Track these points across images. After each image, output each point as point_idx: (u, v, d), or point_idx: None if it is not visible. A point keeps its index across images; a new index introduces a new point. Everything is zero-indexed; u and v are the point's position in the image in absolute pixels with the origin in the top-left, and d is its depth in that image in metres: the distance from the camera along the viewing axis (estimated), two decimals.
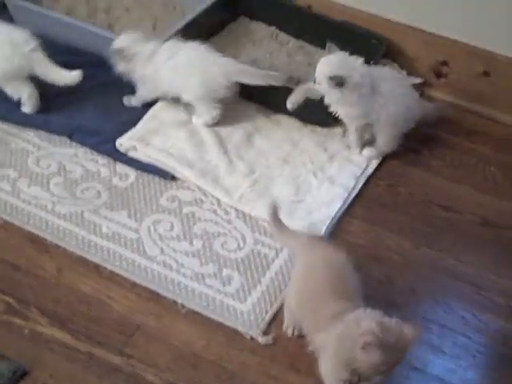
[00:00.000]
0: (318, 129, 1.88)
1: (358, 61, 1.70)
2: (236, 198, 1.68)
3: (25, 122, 1.84)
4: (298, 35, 2.15)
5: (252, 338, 1.40)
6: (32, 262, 1.54)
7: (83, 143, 1.80)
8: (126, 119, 1.86)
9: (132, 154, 1.77)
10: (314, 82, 1.69)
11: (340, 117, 1.74)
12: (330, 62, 1.69)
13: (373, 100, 1.69)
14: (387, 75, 1.76)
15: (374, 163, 1.78)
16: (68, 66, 1.88)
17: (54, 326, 1.41)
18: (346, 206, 1.68)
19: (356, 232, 1.62)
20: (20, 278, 1.50)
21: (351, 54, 1.94)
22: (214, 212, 1.66)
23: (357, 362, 1.16)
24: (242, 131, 1.85)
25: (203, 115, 1.83)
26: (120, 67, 1.82)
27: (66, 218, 1.62)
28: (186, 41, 1.85)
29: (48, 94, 1.89)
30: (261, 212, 1.63)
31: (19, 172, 1.72)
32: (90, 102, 1.91)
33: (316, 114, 1.84)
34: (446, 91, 2.00)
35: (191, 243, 1.58)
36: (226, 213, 1.66)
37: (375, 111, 1.70)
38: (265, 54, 2.10)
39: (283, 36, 2.17)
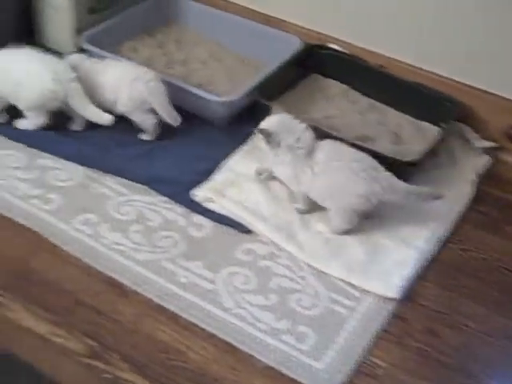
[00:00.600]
0: None
1: (300, 125, 1.74)
2: (309, 255, 1.70)
3: (106, 168, 1.90)
4: (369, 94, 2.19)
5: None
6: (112, 306, 1.58)
7: (160, 192, 1.85)
8: (202, 169, 1.90)
9: (208, 205, 1.82)
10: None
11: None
12: (270, 118, 1.77)
13: (307, 166, 1.72)
14: (325, 146, 1.74)
15: (447, 226, 1.80)
16: None
17: (134, 372, 1.44)
18: (420, 269, 1.69)
19: (430, 296, 1.63)
20: (101, 321, 1.54)
21: (424, 115, 1.99)
22: (289, 268, 1.69)
23: None
24: None
25: None
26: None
27: (145, 265, 1.66)
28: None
29: (127, 142, 1.96)
30: (334, 270, 1.66)
31: (100, 217, 1.77)
32: (167, 152, 1.97)
33: None
34: None
35: (266, 298, 1.61)
36: (300, 269, 1.68)
37: (307, 179, 1.72)
38: (336, 112, 2.14)
39: (355, 94, 2.21)
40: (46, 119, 1.95)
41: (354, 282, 1.64)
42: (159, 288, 1.62)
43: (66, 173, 1.89)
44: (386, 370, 1.47)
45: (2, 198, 1.80)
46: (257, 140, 1.85)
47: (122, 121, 1.95)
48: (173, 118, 1.95)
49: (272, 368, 1.47)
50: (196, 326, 1.55)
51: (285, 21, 2.33)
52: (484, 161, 2.01)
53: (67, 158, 1.92)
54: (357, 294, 1.62)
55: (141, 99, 1.93)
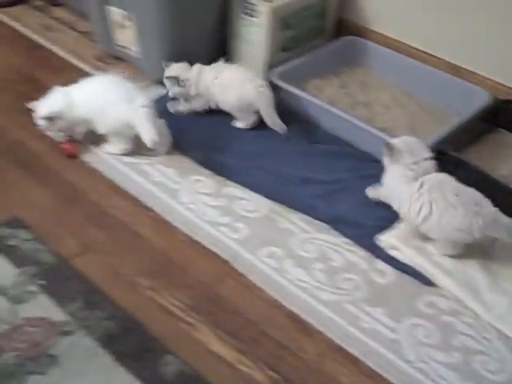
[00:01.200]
0: None
1: (424, 153, 1.81)
2: (495, 317, 1.66)
3: (291, 203, 1.94)
4: None
5: None
6: (295, 342, 1.60)
7: (344, 233, 1.87)
8: (383, 215, 1.90)
9: (391, 252, 1.81)
10: None
11: None
12: (401, 137, 1.87)
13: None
14: (434, 177, 1.79)
15: None
16: (330, 153, 2.00)
17: None
18: None
19: None
20: (285, 356, 1.57)
21: None
22: (472, 326, 1.65)
23: None
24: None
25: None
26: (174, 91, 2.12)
27: (328, 305, 1.68)
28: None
29: (311, 179, 2.00)
30: None
31: (285, 251, 1.81)
32: (351, 193, 1.98)
33: None
34: None
35: (450, 355, 1.58)
36: (485, 329, 1.65)
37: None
38: None
39: None
40: (128, 145, 2.04)
41: None
42: (341, 330, 1.63)
43: (252, 204, 1.95)
44: None
45: (191, 221, 1.87)
46: None
47: (312, 158, 1.98)
48: (278, 126, 2.12)
49: None
50: (377, 374, 1.54)
51: (474, 72, 2.30)
52: None
53: (254, 189, 1.97)
54: None
55: (248, 102, 2.10)
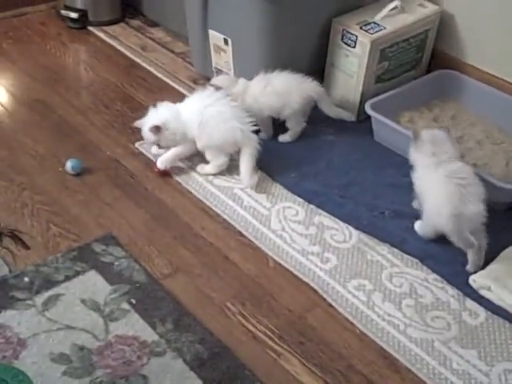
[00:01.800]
0: None
1: (452, 147, 1.91)
2: None
3: (381, 236, 1.92)
4: None
5: None
6: (384, 379, 1.58)
7: (434, 270, 1.84)
8: None
9: (484, 292, 1.77)
10: None
11: None
12: (430, 131, 1.98)
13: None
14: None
15: None
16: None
17: None
18: None
19: None
20: None
21: None
22: None
23: None
24: None
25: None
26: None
27: (417, 344, 1.65)
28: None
29: (401, 212, 1.97)
30: None
31: (374, 285, 1.79)
32: None
33: None
34: None
35: None
36: None
37: None
38: None
39: None
40: (224, 162, 2.09)
41: None
42: (432, 370, 1.59)
43: (341, 234, 1.94)
44: None
45: (281, 248, 1.87)
46: None
47: (403, 191, 1.96)
48: (345, 114, 2.25)
49: None
50: None
51: None
52: None
53: (344, 219, 1.97)
54: None
55: (309, 97, 2.17)
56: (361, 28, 2.26)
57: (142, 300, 1.67)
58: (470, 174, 1.83)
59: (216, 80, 2.20)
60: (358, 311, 1.72)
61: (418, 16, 2.39)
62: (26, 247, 1.73)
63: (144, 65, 2.62)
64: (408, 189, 2.01)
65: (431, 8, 2.43)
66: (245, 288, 1.76)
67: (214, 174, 2.09)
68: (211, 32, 2.38)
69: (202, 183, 2.06)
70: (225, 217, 1.96)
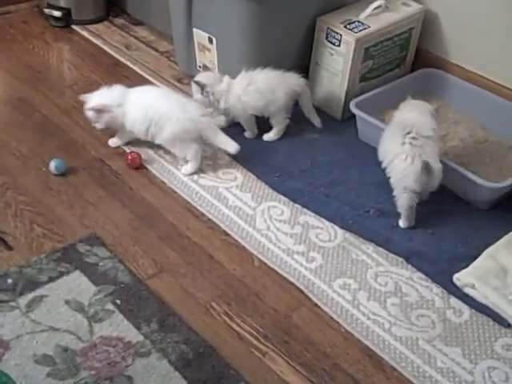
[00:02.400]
0: None
1: None
2: None
3: (369, 235, 1.92)
4: None
5: None
6: (369, 377, 1.58)
7: (419, 269, 1.84)
8: (462, 252, 1.88)
9: (468, 290, 1.78)
10: None
11: None
12: None
13: None
14: None
15: None
16: None
17: None
18: None
19: None
20: None
21: None
22: None
23: None
24: None
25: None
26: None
27: (402, 342, 1.65)
28: None
29: (388, 212, 1.97)
30: None
31: (359, 284, 1.79)
32: (428, 228, 1.96)
33: None
34: None
35: None
36: None
37: None
38: None
39: None
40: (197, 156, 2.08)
41: None
42: (416, 369, 1.60)
43: (326, 233, 1.94)
44: None
45: (266, 248, 1.87)
46: None
47: (388, 190, 1.96)
48: (316, 120, 2.26)
49: None
50: None
51: None
52: None
53: (329, 218, 1.97)
54: None
55: (293, 92, 2.18)
56: (345, 27, 2.27)
57: (127, 300, 1.66)
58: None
59: (200, 77, 2.19)
60: (343, 310, 1.72)
61: (402, 15, 2.39)
62: (9, 248, 1.73)
63: (128, 64, 2.61)
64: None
65: (415, 7, 2.43)
66: (230, 288, 1.75)
67: (194, 173, 2.09)
68: (196, 31, 2.37)
69: (187, 183, 2.06)
70: (210, 216, 1.95)
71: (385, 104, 2.33)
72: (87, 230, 1.86)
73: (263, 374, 1.56)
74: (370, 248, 1.90)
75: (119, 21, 2.90)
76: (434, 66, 2.49)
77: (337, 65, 2.29)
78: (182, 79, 2.52)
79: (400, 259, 1.87)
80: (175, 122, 2.02)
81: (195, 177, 2.08)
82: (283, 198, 2.04)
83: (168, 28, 2.56)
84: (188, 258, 1.83)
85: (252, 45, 2.27)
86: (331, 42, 2.28)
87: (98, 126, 2.09)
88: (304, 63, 2.37)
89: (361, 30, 2.27)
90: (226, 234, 1.90)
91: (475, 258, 1.85)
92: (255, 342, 1.62)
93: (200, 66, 2.43)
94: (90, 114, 2.06)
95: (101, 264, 1.75)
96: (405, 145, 1.88)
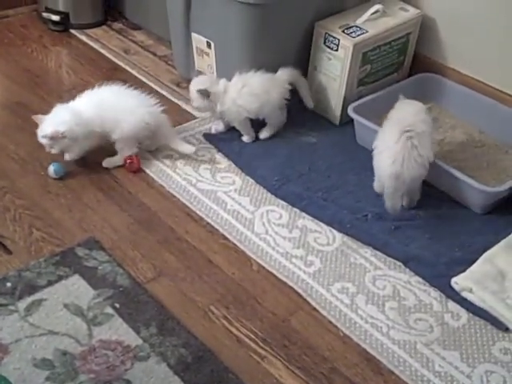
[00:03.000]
0: None
1: None
2: None
3: (364, 239, 1.93)
4: None
5: None
6: (367, 381, 1.58)
7: (417, 272, 1.85)
8: (460, 256, 1.88)
9: (466, 294, 1.78)
10: None
11: None
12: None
13: None
14: None
15: None
16: None
17: None
18: None
19: None
20: None
21: None
22: None
23: None
24: None
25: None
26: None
27: (400, 346, 1.66)
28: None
29: (384, 215, 1.98)
30: None
31: (357, 287, 1.80)
32: (426, 232, 1.96)
33: None
34: None
35: None
36: None
37: None
38: None
39: None
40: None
41: None
42: (414, 372, 1.60)
43: (324, 237, 1.94)
44: None
45: (264, 252, 1.88)
46: None
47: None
48: (309, 103, 2.29)
49: None
50: None
51: None
52: None
53: (327, 222, 1.97)
54: None
55: (286, 95, 2.20)
56: (343, 31, 2.28)
57: (126, 304, 1.66)
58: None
59: (198, 83, 2.20)
60: (342, 314, 1.73)
61: (400, 20, 2.40)
62: (9, 252, 1.73)
63: (127, 68, 2.61)
64: None
65: (412, 12, 2.44)
66: (228, 291, 1.76)
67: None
68: (194, 35, 2.38)
69: (186, 187, 2.06)
70: (208, 220, 1.96)
71: (383, 108, 2.31)
72: (86, 234, 1.87)
73: (262, 377, 1.56)
74: (368, 252, 1.91)
75: (117, 25, 2.91)
76: (432, 70, 2.50)
77: (335, 69, 2.30)
78: (181, 83, 2.53)
79: (398, 263, 1.88)
80: (134, 116, 2.03)
81: (194, 181, 2.08)
82: (282, 202, 2.04)
83: (166, 32, 2.56)
84: (187, 262, 1.83)
85: (250, 49, 2.28)
86: (329, 47, 2.29)
87: (54, 151, 2.02)
88: (302, 68, 2.37)
89: (359, 35, 2.28)
90: (225, 238, 1.91)
91: (473, 262, 1.85)
92: (254, 346, 1.63)
93: (198, 71, 2.43)
94: (44, 141, 1.99)
95: (100, 268, 1.75)
96: (399, 142, 1.89)
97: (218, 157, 2.18)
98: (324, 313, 1.73)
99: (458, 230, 1.98)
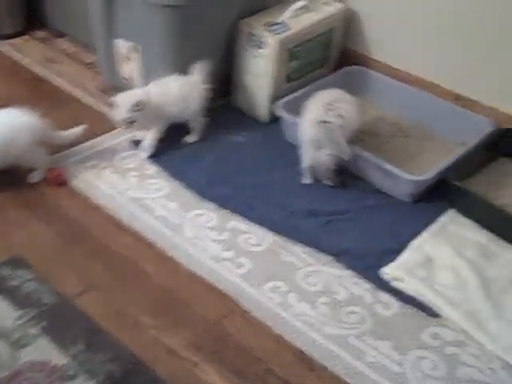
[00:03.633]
0: None
1: None
2: (501, 347, 1.64)
3: (298, 236, 1.93)
4: None
5: None
6: (300, 378, 1.58)
7: (348, 266, 1.86)
8: (389, 246, 1.90)
9: (396, 284, 1.80)
10: None
11: None
12: None
13: None
14: None
15: None
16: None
17: None
18: None
19: None
20: None
21: None
22: (478, 358, 1.64)
23: None
24: (509, 273, 1.82)
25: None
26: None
27: (333, 340, 1.66)
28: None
29: (317, 211, 1.99)
30: None
31: (289, 286, 1.80)
32: (354, 225, 1.97)
33: None
34: None
35: None
36: (490, 361, 1.63)
37: None
38: None
39: None
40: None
41: None
42: (347, 365, 1.61)
43: (255, 237, 1.94)
44: None
45: (194, 256, 1.86)
46: (445, 220, 1.88)
47: (315, 190, 1.98)
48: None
49: None
50: None
51: (475, 101, 2.29)
52: None
53: (257, 222, 1.97)
54: None
55: (205, 94, 2.19)
56: (267, 29, 2.27)
57: (53, 322, 1.63)
58: None
59: (129, 94, 2.14)
60: (274, 314, 1.72)
61: (323, 14, 2.41)
62: None
63: (51, 78, 2.56)
64: (320, 186, 2.04)
65: (336, 6, 2.46)
66: (159, 300, 1.74)
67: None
68: (117, 40, 2.35)
69: (113, 195, 2.04)
70: (137, 229, 1.94)
71: None
72: (9, 253, 1.82)
73: None
74: (299, 249, 1.91)
75: (40, 33, 2.84)
76: (359, 63, 2.51)
77: (260, 67, 2.29)
78: (107, 90, 2.49)
79: (330, 258, 1.89)
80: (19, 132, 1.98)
81: (121, 189, 2.06)
82: (211, 204, 2.03)
83: (92, 39, 2.52)
84: (115, 273, 1.81)
85: (175, 51, 2.26)
86: (254, 45, 2.28)
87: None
88: (229, 67, 2.36)
89: (283, 32, 2.27)
90: (154, 246, 1.89)
91: (403, 250, 1.87)
92: (185, 354, 1.61)
93: (123, 77, 2.40)
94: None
95: (25, 286, 1.72)
96: (320, 109, 2.00)
97: (146, 163, 2.15)
98: (256, 314, 1.72)
99: (389, 220, 1.99)
